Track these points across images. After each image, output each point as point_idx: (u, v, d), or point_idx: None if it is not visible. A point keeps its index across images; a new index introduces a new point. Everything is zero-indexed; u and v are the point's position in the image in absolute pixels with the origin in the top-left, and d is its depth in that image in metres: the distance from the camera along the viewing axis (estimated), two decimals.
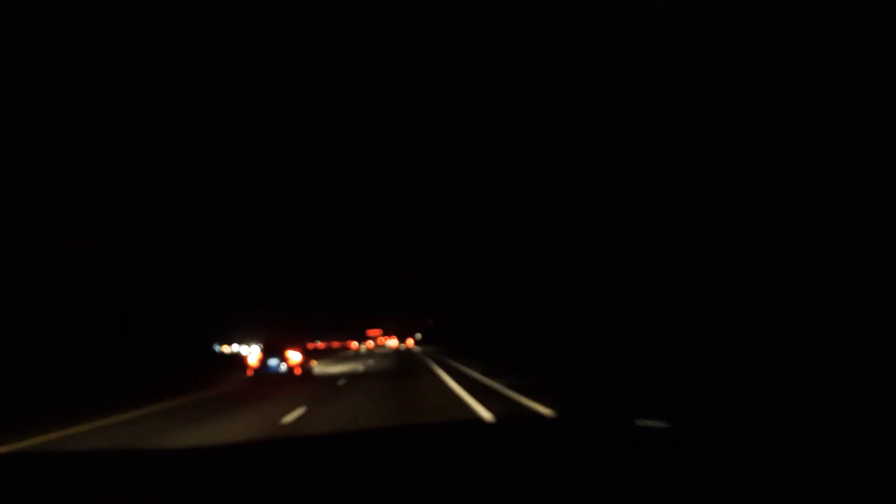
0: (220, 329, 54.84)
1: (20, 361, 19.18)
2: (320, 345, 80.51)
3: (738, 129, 17.15)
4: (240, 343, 59.39)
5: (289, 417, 8.81)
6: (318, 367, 23.26)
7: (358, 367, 25.90)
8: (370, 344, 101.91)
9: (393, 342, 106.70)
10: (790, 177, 15.04)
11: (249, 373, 17.84)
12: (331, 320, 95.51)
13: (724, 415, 1.99)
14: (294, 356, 17.85)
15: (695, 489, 1.11)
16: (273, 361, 17.51)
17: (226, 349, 55.26)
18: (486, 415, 7.81)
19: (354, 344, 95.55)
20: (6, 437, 7.78)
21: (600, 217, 26.29)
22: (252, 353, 19.08)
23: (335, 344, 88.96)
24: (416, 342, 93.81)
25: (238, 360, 40.86)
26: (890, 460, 1.23)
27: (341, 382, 16.07)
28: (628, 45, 23.46)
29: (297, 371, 17.81)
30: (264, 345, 18.36)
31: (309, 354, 20.78)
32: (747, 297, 15.27)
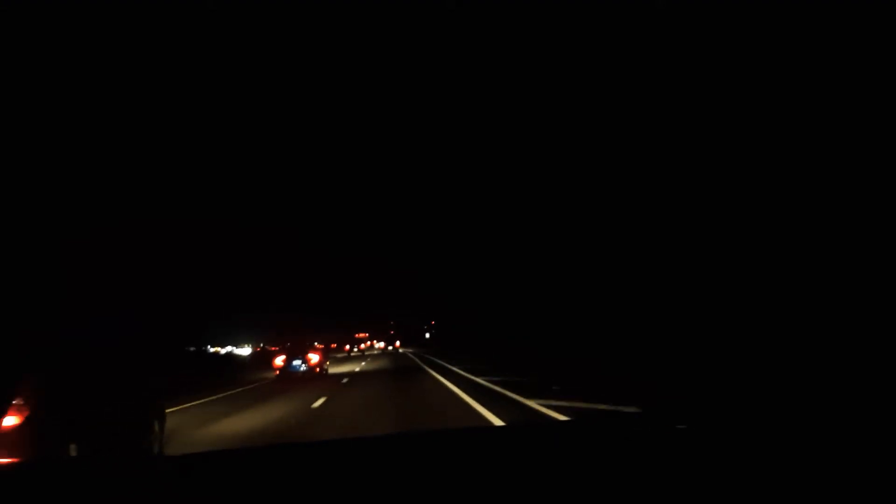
0: (212, 330, 54.84)
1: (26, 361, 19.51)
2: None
3: (737, 128, 16.85)
4: (233, 345, 59.36)
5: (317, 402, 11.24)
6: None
7: (354, 368, 27.21)
8: (362, 346, 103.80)
9: (380, 344, 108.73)
10: (789, 176, 14.86)
11: (276, 372, 19.95)
12: (322, 322, 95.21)
13: (729, 416, 2.02)
14: (314, 358, 20.14)
15: (699, 490, 1.10)
16: (296, 362, 20.02)
17: (220, 350, 55.10)
18: (469, 400, 9.58)
19: (346, 347, 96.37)
20: None
21: (598, 217, 25.84)
22: (280, 357, 21.16)
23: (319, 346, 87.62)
24: (423, 343, 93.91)
25: (239, 361, 41.28)
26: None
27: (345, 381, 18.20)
28: (628, 45, 23.03)
29: (316, 370, 20.16)
30: (288, 349, 20.98)
31: (325, 357, 22.45)
32: (744, 297, 15.17)
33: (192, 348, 48.36)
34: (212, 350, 53.12)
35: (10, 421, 4.05)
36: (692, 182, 19.12)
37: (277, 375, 19.80)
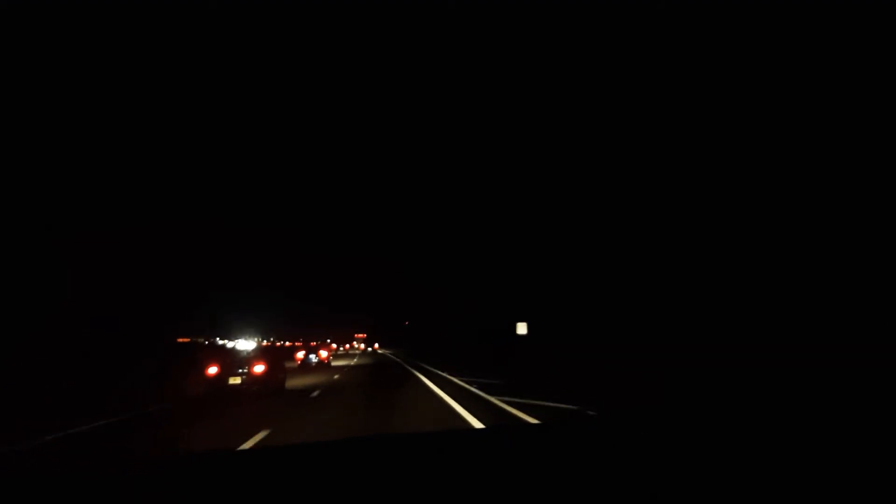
0: (220, 324, 62.74)
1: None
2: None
3: (737, 128, 17.00)
4: (243, 338, 67.53)
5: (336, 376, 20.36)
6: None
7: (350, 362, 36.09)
8: (346, 346, 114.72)
9: (361, 345, 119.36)
10: (789, 177, 14.94)
11: (298, 362, 28.56)
12: (321, 319, 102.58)
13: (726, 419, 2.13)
14: (323, 353, 29.00)
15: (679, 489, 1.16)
16: (311, 356, 29.88)
17: (229, 343, 62.87)
18: (433, 387, 14.79)
19: (332, 346, 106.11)
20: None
21: (591, 217, 24.80)
22: (301, 352, 30.00)
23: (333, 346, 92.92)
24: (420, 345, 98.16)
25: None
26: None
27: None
28: (628, 45, 22.94)
29: (325, 362, 29.41)
30: (306, 347, 30.34)
31: (330, 354, 31.93)
32: (742, 298, 15.10)
33: (200, 339, 56.06)
34: (220, 342, 60.97)
35: (261, 368, 12.83)
36: (691, 182, 18.73)
37: (298, 365, 29.16)
